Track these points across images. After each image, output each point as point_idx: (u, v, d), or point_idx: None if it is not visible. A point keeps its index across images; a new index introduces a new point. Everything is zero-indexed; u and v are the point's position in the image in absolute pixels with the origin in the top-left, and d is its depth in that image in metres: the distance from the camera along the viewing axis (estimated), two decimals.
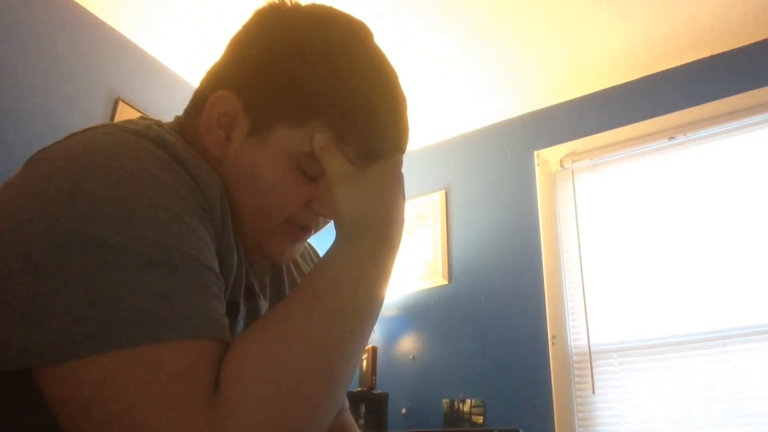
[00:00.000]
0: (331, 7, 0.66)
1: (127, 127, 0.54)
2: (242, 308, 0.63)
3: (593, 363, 2.44)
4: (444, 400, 2.68)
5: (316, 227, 0.68)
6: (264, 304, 0.68)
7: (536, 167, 2.88)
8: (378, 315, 0.56)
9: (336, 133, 0.60)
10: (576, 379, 2.47)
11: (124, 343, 0.43)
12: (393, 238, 0.61)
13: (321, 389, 0.48)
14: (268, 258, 0.67)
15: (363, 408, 2.61)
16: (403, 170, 0.65)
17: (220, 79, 0.64)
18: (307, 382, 0.47)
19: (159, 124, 0.60)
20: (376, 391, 2.68)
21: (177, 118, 0.67)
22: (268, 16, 0.65)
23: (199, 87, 0.67)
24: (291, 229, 0.64)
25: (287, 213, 0.63)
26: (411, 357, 2.86)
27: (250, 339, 0.48)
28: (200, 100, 0.65)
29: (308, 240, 0.72)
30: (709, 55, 2.62)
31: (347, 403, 0.83)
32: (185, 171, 0.52)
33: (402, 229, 0.63)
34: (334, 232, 0.61)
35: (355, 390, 2.66)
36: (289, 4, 0.65)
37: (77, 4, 2.44)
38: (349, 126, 0.61)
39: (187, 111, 0.67)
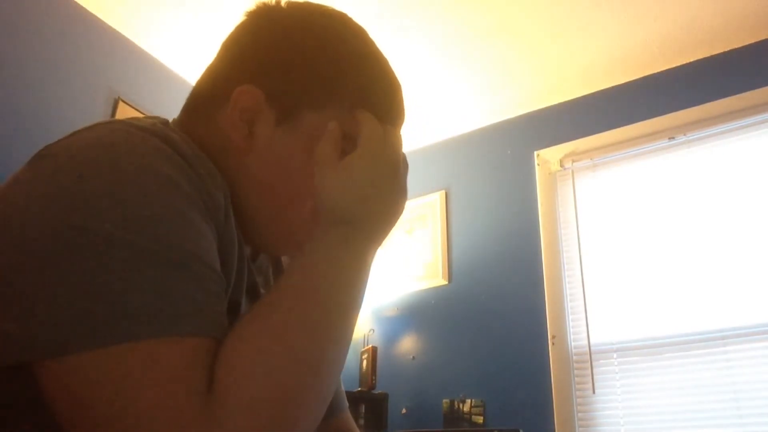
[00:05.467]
0: (317, 3, 0.68)
1: (132, 123, 0.54)
2: (243, 307, 0.62)
3: (593, 363, 2.44)
4: (444, 400, 2.68)
5: None
6: None
7: (536, 167, 2.87)
8: (361, 305, 0.56)
9: (352, 109, 0.63)
10: (576, 379, 2.47)
11: (121, 338, 0.43)
12: (378, 231, 0.59)
13: (312, 381, 0.48)
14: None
15: (363, 408, 2.61)
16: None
17: (231, 77, 0.64)
18: (299, 376, 0.47)
19: (164, 122, 0.60)
20: (376, 391, 2.68)
21: (176, 120, 0.67)
22: (266, 13, 0.66)
23: (197, 87, 0.67)
24: None
25: None
26: (411, 357, 2.86)
27: (240, 335, 0.48)
28: (203, 99, 0.65)
29: None
30: (709, 55, 2.62)
31: (346, 403, 0.83)
32: (190, 167, 0.52)
33: (390, 219, 0.61)
34: None
35: (355, 390, 2.66)
36: (281, 3, 0.67)
37: (77, 4, 2.44)
38: (365, 102, 0.64)
39: (186, 111, 0.67)
